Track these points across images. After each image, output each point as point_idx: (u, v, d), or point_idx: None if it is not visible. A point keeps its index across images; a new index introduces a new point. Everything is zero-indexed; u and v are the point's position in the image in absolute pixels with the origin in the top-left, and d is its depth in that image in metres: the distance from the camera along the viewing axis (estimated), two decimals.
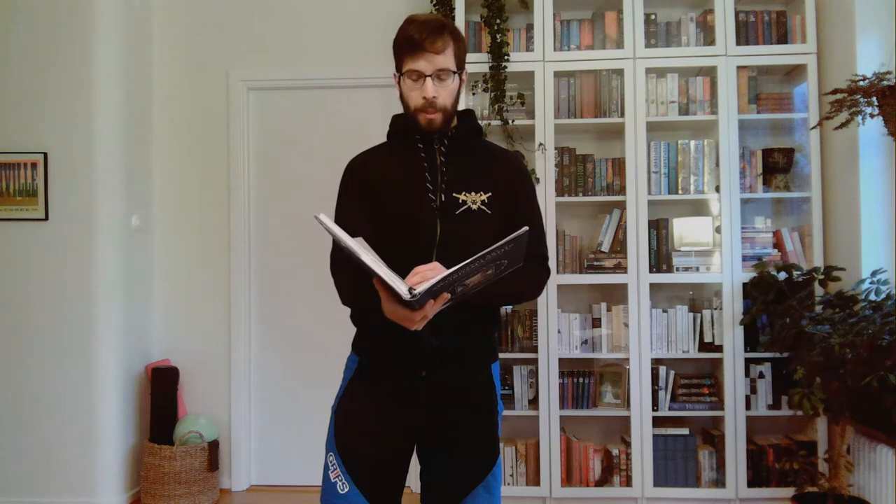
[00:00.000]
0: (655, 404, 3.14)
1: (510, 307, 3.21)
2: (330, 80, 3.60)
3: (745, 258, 3.14)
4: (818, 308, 2.89)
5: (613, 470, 3.15)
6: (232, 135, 3.61)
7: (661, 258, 3.17)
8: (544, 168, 3.17)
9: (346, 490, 1.54)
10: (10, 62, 3.26)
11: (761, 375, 3.12)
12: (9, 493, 3.22)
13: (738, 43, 3.17)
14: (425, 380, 1.55)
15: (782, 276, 2.98)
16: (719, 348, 3.13)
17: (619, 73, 3.21)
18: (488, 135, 2.96)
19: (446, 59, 1.53)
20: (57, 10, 3.24)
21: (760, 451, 3.12)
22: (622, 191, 3.21)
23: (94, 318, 3.23)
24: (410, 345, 1.50)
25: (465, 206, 1.56)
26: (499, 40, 3.18)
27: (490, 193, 1.59)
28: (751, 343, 3.12)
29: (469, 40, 3.24)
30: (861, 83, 2.65)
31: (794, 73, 3.29)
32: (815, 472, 2.88)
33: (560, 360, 3.17)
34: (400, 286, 1.27)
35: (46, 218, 3.25)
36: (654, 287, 3.18)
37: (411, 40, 1.52)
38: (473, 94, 3.26)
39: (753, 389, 3.12)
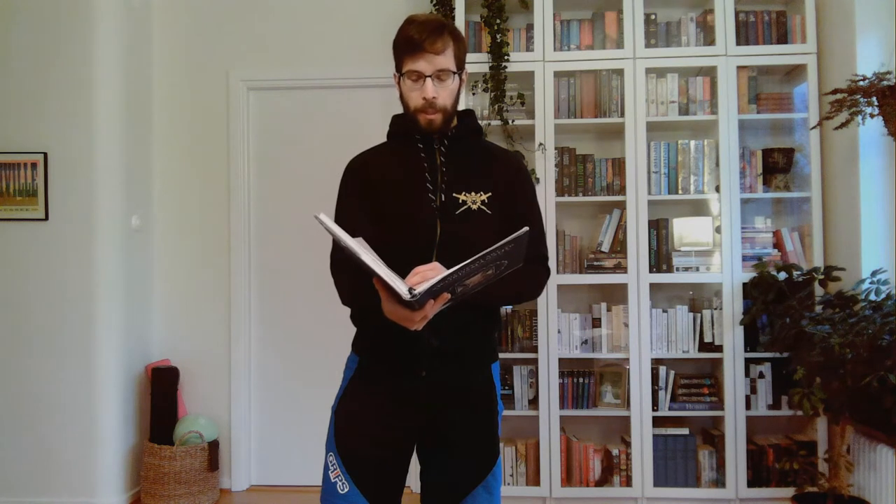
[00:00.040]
0: (655, 404, 3.14)
1: (510, 307, 3.21)
2: (330, 80, 3.60)
3: (745, 258, 3.14)
4: (818, 308, 2.89)
5: (613, 470, 3.16)
6: (232, 135, 3.61)
7: (661, 258, 3.17)
8: (544, 168, 3.17)
9: (346, 490, 1.54)
10: (10, 62, 3.26)
11: (761, 375, 3.13)
12: (9, 493, 3.22)
13: (738, 43, 3.17)
14: (425, 380, 1.55)
15: (782, 276, 2.98)
16: (719, 348, 3.13)
17: (619, 73, 3.21)
18: (488, 135, 2.96)
19: (446, 60, 1.53)
20: (57, 10, 3.24)
21: (760, 451, 3.12)
22: (622, 191, 3.21)
23: (94, 318, 3.23)
24: (410, 345, 1.50)
25: (465, 206, 1.56)
26: (499, 40, 3.18)
27: (490, 193, 1.59)
28: (751, 343, 3.12)
29: (469, 40, 3.24)
30: (861, 83, 2.65)
31: (794, 73, 3.29)
32: (815, 472, 2.88)
33: (560, 360, 3.17)
34: (400, 286, 1.27)
35: (46, 218, 3.25)
36: (654, 287, 3.18)
37: (411, 41, 1.52)
38: (473, 94, 3.26)
39: (753, 389, 3.12)
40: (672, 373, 3.16)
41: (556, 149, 3.21)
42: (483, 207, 1.57)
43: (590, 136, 3.44)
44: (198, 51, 3.64)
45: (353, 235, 1.34)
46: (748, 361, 3.11)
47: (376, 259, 1.34)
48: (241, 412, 3.58)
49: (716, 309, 3.16)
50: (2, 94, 3.27)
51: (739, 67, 3.16)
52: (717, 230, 3.16)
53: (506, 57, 3.19)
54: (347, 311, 1.64)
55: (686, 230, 3.20)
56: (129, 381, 3.37)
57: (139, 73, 3.51)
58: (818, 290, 3.01)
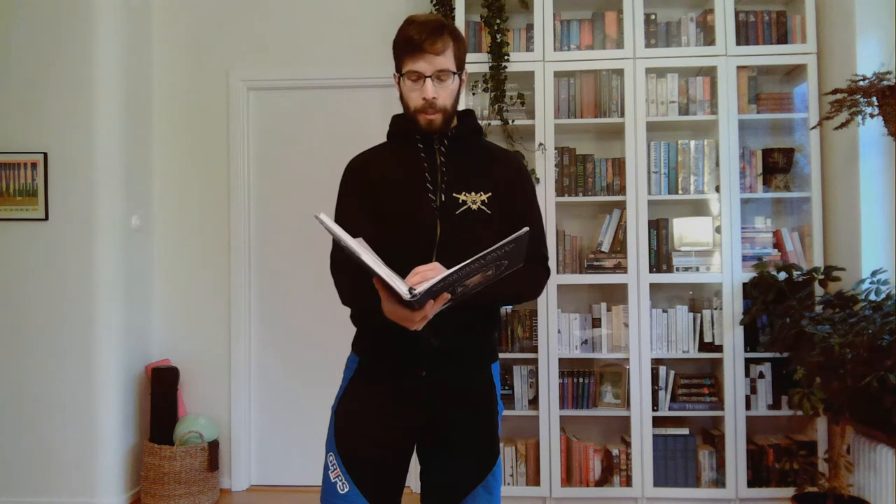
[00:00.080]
0: (655, 404, 3.14)
1: (510, 307, 3.21)
2: (330, 80, 3.60)
3: (745, 258, 3.14)
4: (818, 308, 2.89)
5: (613, 470, 3.16)
6: (232, 135, 3.61)
7: (661, 258, 3.17)
8: (544, 168, 3.17)
9: (346, 490, 1.54)
10: (10, 62, 3.26)
11: (761, 375, 3.13)
12: (9, 493, 3.22)
13: (738, 43, 3.17)
14: (425, 380, 1.55)
15: (782, 276, 2.98)
16: (719, 348, 3.13)
17: (619, 73, 3.21)
18: (488, 135, 2.96)
19: (446, 60, 1.53)
20: (57, 10, 3.24)
21: (760, 451, 3.12)
22: (622, 191, 3.21)
23: (94, 318, 3.23)
24: (410, 345, 1.50)
25: (465, 206, 1.56)
26: (499, 40, 3.18)
27: (490, 193, 1.59)
28: (751, 343, 3.12)
29: (469, 40, 3.24)
30: (861, 83, 2.65)
31: (794, 73, 3.29)
32: (815, 472, 2.88)
33: (560, 360, 3.17)
34: (400, 286, 1.27)
35: (46, 218, 3.25)
36: (654, 287, 3.18)
37: (411, 41, 1.52)
38: (473, 94, 3.26)
39: (753, 389, 3.12)
40: (672, 373, 3.16)
41: (556, 149, 3.21)
42: (483, 207, 1.57)
43: (590, 136, 3.44)
44: (198, 51, 3.64)
45: (354, 235, 1.34)
46: (748, 361, 3.11)
47: (376, 259, 1.34)
48: (241, 412, 3.58)
49: (716, 309, 3.16)
50: (2, 94, 3.27)
51: (739, 67, 3.16)
52: (717, 230, 3.16)
53: (506, 57, 3.19)
54: (347, 311, 1.64)
55: (686, 230, 3.20)
56: (129, 381, 3.37)
57: (139, 73, 3.51)
58: (818, 290, 3.01)
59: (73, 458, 3.21)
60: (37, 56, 3.25)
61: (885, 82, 2.59)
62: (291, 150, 3.65)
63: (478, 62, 3.20)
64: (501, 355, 3.04)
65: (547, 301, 3.15)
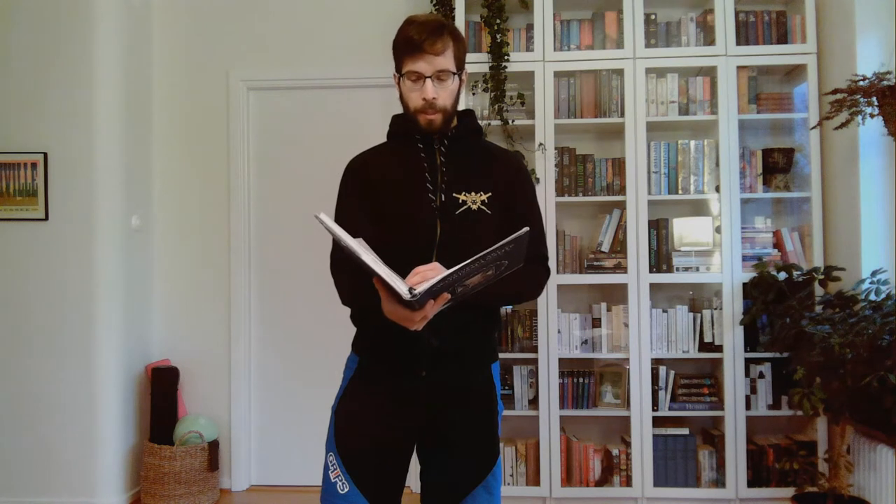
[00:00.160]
0: (655, 404, 3.14)
1: (510, 307, 3.21)
2: (330, 80, 3.60)
3: (745, 258, 3.14)
4: (818, 308, 2.89)
5: (613, 470, 3.15)
6: (232, 135, 3.61)
7: (661, 258, 3.17)
8: (544, 168, 3.17)
9: (346, 490, 1.54)
10: (10, 62, 3.26)
11: (761, 375, 3.13)
12: (9, 493, 3.22)
13: (738, 43, 3.17)
14: (425, 380, 1.55)
15: (782, 276, 2.98)
16: (719, 348, 3.13)
17: (619, 73, 3.21)
18: (488, 135, 2.96)
19: (446, 61, 1.53)
20: (57, 10, 3.24)
21: (760, 451, 3.12)
22: (622, 191, 3.21)
23: (94, 318, 3.23)
24: (410, 345, 1.50)
25: (465, 207, 1.56)
26: (499, 40, 3.18)
27: (490, 193, 1.59)
28: (751, 343, 3.12)
29: (469, 40, 3.24)
30: (861, 83, 2.65)
31: (794, 73, 3.29)
32: (815, 472, 2.88)
33: (560, 360, 3.17)
34: (400, 286, 1.27)
35: (46, 218, 3.25)
36: (654, 287, 3.18)
37: (411, 41, 1.52)
38: (473, 94, 3.26)
39: (753, 389, 3.12)
40: (672, 373, 3.16)
41: (556, 149, 3.21)
42: (483, 207, 1.57)
43: (590, 136, 3.44)
44: (198, 51, 3.64)
45: (354, 235, 1.34)
46: (748, 361, 3.11)
47: (376, 259, 1.34)
48: (241, 412, 3.58)
49: (716, 309, 3.16)
50: (2, 94, 3.27)
51: (739, 67, 3.16)
52: (717, 230, 3.16)
53: (506, 57, 3.19)
54: (347, 311, 1.64)
55: (686, 230, 3.20)
56: (129, 381, 3.37)
57: (139, 73, 3.51)
58: (818, 290, 3.01)
59: (73, 458, 3.21)
60: (37, 56, 3.25)
61: (885, 82, 2.59)
62: (291, 150, 3.65)
63: (478, 62, 3.20)
64: (501, 355, 3.04)
65: (547, 301, 3.15)
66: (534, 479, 3.18)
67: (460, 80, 1.59)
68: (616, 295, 3.26)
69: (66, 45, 3.24)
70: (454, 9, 3.19)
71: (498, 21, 3.18)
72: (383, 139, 1.70)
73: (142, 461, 3.33)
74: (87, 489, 3.21)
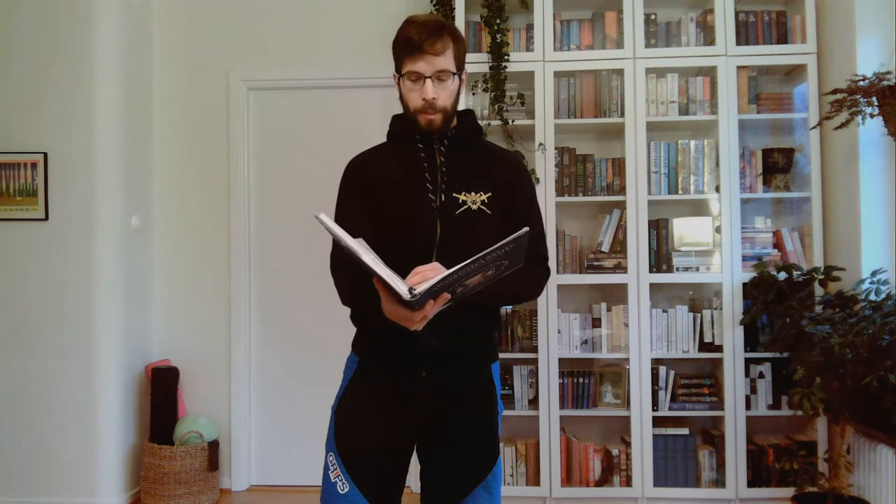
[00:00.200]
0: (655, 404, 3.14)
1: (510, 307, 3.21)
2: (330, 80, 3.60)
3: (745, 258, 3.14)
4: (818, 308, 2.89)
5: (613, 470, 3.15)
6: (232, 135, 3.61)
7: (661, 258, 3.17)
8: (544, 168, 3.17)
9: (346, 490, 1.54)
10: (10, 62, 3.26)
11: (761, 375, 3.13)
12: (9, 493, 3.22)
13: (738, 43, 3.17)
14: (425, 380, 1.55)
15: (782, 276, 2.98)
16: (719, 348, 3.13)
17: (619, 73, 3.21)
18: (488, 135, 2.96)
19: (446, 61, 1.53)
20: (57, 10, 3.24)
21: (760, 451, 3.12)
22: (622, 191, 3.21)
23: (94, 318, 3.23)
24: (410, 345, 1.50)
25: (465, 207, 1.56)
26: (499, 40, 3.18)
27: (490, 193, 1.59)
28: (751, 343, 3.12)
29: (469, 40, 3.24)
30: (861, 83, 2.65)
31: (794, 73, 3.29)
32: (815, 472, 2.88)
33: (560, 360, 3.17)
34: (400, 286, 1.27)
35: (46, 218, 3.25)
36: (654, 287, 3.18)
37: (410, 42, 1.51)
38: (473, 94, 3.26)
39: (753, 389, 3.12)
40: (672, 373, 3.16)
41: (556, 149, 3.21)
42: (483, 207, 1.57)
43: (590, 136, 3.44)
44: (198, 51, 3.64)
45: (354, 236, 1.34)
46: (748, 361, 3.11)
47: (376, 259, 1.34)
48: (241, 412, 3.58)
49: (716, 309, 3.16)
50: (2, 94, 3.27)
51: (739, 67, 3.16)
52: (717, 230, 3.16)
53: (506, 57, 3.19)
54: (347, 311, 1.64)
55: (686, 230, 3.20)
56: (129, 381, 3.37)
57: (139, 73, 3.51)
58: (818, 290, 3.01)
59: (73, 458, 3.21)
60: (37, 56, 3.25)
61: (885, 82, 2.59)
62: (291, 150, 3.65)
63: (478, 62, 3.20)
64: (501, 355, 3.04)
65: (547, 301, 3.15)
66: (534, 479, 3.18)
67: (460, 80, 1.59)
68: (616, 295, 3.26)
69: (66, 45, 3.24)
70: (454, 9, 3.19)
71: (498, 21, 3.18)
72: (383, 139, 1.70)
73: (142, 461, 3.33)
74: (87, 489, 3.21)
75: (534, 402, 3.20)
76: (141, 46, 3.53)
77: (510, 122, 3.19)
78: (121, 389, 3.29)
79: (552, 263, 2.95)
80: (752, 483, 3.09)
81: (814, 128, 3.05)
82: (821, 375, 2.60)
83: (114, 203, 3.29)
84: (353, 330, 1.67)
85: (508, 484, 3.17)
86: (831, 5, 3.08)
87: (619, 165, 3.23)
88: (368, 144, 1.72)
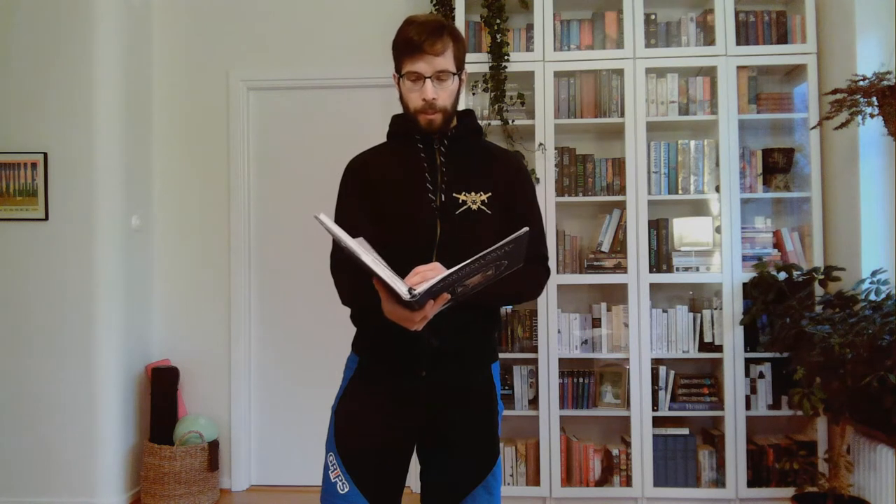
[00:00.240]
0: (655, 404, 3.14)
1: (510, 307, 3.21)
2: (330, 80, 3.60)
3: (745, 258, 3.14)
4: (818, 308, 2.89)
5: (613, 470, 3.15)
6: (232, 135, 3.61)
7: (661, 258, 3.17)
8: (544, 168, 3.17)
9: (346, 490, 1.54)
10: (10, 62, 3.26)
11: (761, 375, 3.13)
12: (9, 493, 3.22)
13: (738, 43, 3.17)
14: (425, 380, 1.55)
15: (782, 276, 2.98)
16: (719, 348, 3.13)
17: (619, 73, 3.21)
18: (488, 135, 2.96)
19: (445, 61, 1.53)
20: (57, 10, 3.24)
21: (760, 451, 3.12)
22: (622, 191, 3.21)
23: (94, 318, 3.23)
24: (410, 345, 1.50)
25: (465, 207, 1.56)
26: (499, 40, 3.18)
27: (490, 193, 1.59)
28: (751, 343, 3.12)
29: (469, 40, 3.24)
30: (861, 83, 2.65)
31: (794, 73, 3.29)
32: (815, 472, 2.88)
33: (560, 360, 3.17)
34: (400, 286, 1.27)
35: (46, 218, 3.25)
36: (654, 287, 3.18)
37: (410, 42, 1.51)
38: (473, 94, 3.26)
39: (753, 389, 3.12)
40: (672, 373, 3.16)
41: (556, 149, 3.21)
42: (483, 207, 1.57)
43: (590, 136, 3.44)
44: (198, 51, 3.64)
45: (354, 235, 1.35)
46: (748, 361, 3.11)
47: (376, 259, 1.34)
48: (241, 412, 3.58)
49: (716, 309, 3.16)
50: (2, 94, 3.27)
51: (739, 67, 3.16)
52: (717, 230, 3.16)
53: (506, 57, 3.19)
54: (347, 311, 1.64)
55: (686, 230, 3.20)
56: (129, 381, 3.37)
57: (139, 73, 3.51)
58: (818, 290, 3.01)
59: (73, 458, 3.21)
60: (37, 56, 3.25)
61: (885, 82, 2.59)
62: (291, 150, 3.65)
63: (478, 62, 3.20)
64: (501, 355, 3.04)
65: (547, 301, 3.15)
66: (534, 479, 3.18)
67: (460, 80, 1.59)
68: (616, 295, 3.26)
69: (66, 45, 3.24)
70: (454, 9, 3.19)
71: (498, 21, 3.17)
72: (383, 139, 1.70)
73: (142, 461, 3.33)
74: (87, 489, 3.21)
75: (534, 402, 3.20)
76: (141, 46, 3.53)
77: (510, 122, 3.19)
78: (121, 389, 3.29)
79: (552, 263, 2.95)
80: (752, 483, 3.09)
81: (814, 128, 3.05)
82: (821, 375, 2.60)
83: (114, 203, 3.29)
84: (353, 330, 1.67)
85: (508, 484, 3.17)
86: (831, 5, 3.08)
87: (619, 165, 3.23)
88: (368, 144, 1.72)
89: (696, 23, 3.25)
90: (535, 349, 3.17)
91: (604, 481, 3.17)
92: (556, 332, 3.17)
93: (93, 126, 3.24)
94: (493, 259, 1.29)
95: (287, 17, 3.61)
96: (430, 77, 1.52)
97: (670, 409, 3.15)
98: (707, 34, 3.23)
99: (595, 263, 3.20)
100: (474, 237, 1.51)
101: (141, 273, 3.50)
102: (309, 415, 3.56)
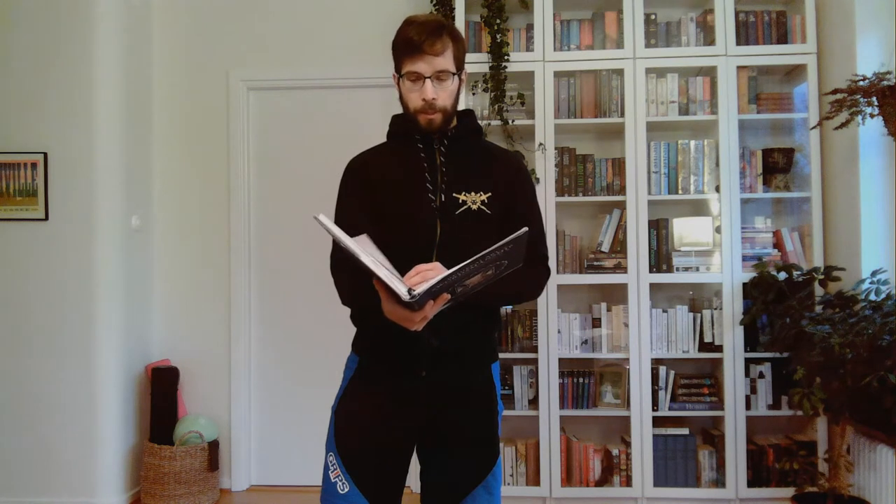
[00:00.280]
0: (655, 404, 3.14)
1: (510, 307, 3.21)
2: (330, 80, 3.60)
3: (745, 258, 3.14)
4: (818, 308, 2.89)
5: (613, 470, 3.15)
6: (232, 135, 3.61)
7: (661, 258, 3.17)
8: (544, 168, 3.17)
9: (346, 490, 1.54)
10: (10, 62, 3.26)
11: (761, 375, 3.12)
12: (9, 493, 3.22)
13: (738, 43, 3.17)
14: (425, 380, 1.55)
15: (782, 276, 2.98)
16: (719, 348, 3.13)
17: (619, 73, 3.21)
18: (488, 135, 2.96)
19: (445, 61, 1.53)
20: (57, 10, 3.24)
21: (760, 451, 3.12)
22: (622, 191, 3.21)
23: (94, 318, 3.23)
24: (410, 345, 1.50)
25: (465, 207, 1.56)
26: (499, 40, 3.18)
27: (490, 193, 1.59)
28: (751, 343, 3.12)
29: (469, 40, 3.24)
30: (861, 83, 2.65)
31: (794, 73, 3.29)
32: (815, 472, 2.88)
33: (560, 360, 3.17)
34: (399, 287, 1.27)
35: (46, 218, 3.25)
36: (654, 287, 3.18)
37: (410, 42, 1.52)
38: (473, 94, 3.26)
39: (753, 389, 3.12)
40: (672, 373, 3.16)
41: (556, 149, 3.21)
42: (483, 207, 1.57)
43: (590, 136, 3.44)
44: (198, 51, 3.64)
45: (353, 235, 1.35)
46: (748, 361, 3.11)
47: (376, 260, 1.34)
48: (241, 412, 3.58)
49: (716, 309, 3.16)
50: (2, 94, 3.27)
51: (739, 67, 3.16)
52: (717, 230, 3.16)
53: (506, 57, 3.19)
54: (347, 311, 1.64)
55: (686, 230, 3.20)
56: (129, 381, 3.37)
57: (139, 73, 3.51)
58: (818, 290, 3.01)
59: (73, 458, 3.21)
60: (37, 56, 3.25)
61: (885, 82, 2.59)
62: (291, 150, 3.65)
63: (478, 62, 3.20)
64: (501, 355, 3.04)
65: (547, 301, 3.15)
66: (534, 479, 3.18)
67: (460, 80, 1.59)
68: (616, 295, 3.26)
69: (66, 45, 3.24)
70: (454, 9, 3.19)
71: (498, 21, 3.17)
72: (383, 139, 1.70)
73: (142, 461, 3.33)
74: (87, 489, 3.21)
75: (534, 402, 3.20)
76: (141, 46, 3.53)
77: (510, 122, 3.19)
78: (121, 389, 3.29)
79: (552, 263, 2.95)
80: (752, 483, 3.09)
81: (814, 128, 3.05)
82: (821, 375, 2.60)
83: (114, 203, 3.29)
84: (353, 330, 1.67)
85: (508, 484, 3.17)
86: (831, 5, 3.08)
87: (619, 165, 3.23)
88: (368, 144, 1.72)
89: (696, 23, 3.25)
90: (535, 349, 3.17)
91: (604, 481, 3.17)
92: (556, 332, 3.17)
93: (93, 126, 3.24)
94: (492, 259, 1.29)
95: (287, 17, 3.62)
96: (429, 77, 1.52)
97: (670, 409, 3.15)
98: (707, 34, 3.23)
99: (595, 263, 3.20)
100: (474, 237, 1.51)
101: (141, 273, 3.50)
102: (309, 415, 3.56)
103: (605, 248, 3.23)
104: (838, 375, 2.52)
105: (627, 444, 3.16)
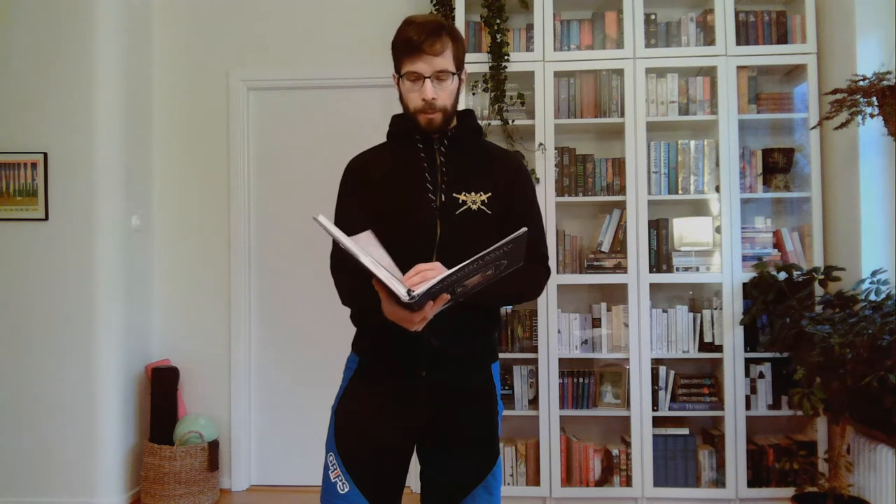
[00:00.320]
0: (655, 404, 3.14)
1: (510, 307, 3.21)
2: (330, 80, 3.60)
3: (745, 258, 3.14)
4: (818, 308, 2.89)
5: (613, 470, 3.15)
6: (232, 135, 3.61)
7: (661, 258, 3.17)
8: (544, 168, 3.17)
9: (346, 490, 1.54)
10: (10, 62, 3.26)
11: (761, 375, 3.12)
12: (9, 493, 3.23)
13: (738, 43, 3.17)
14: (425, 380, 1.55)
15: (782, 276, 2.98)
16: (719, 348, 3.13)
17: (619, 73, 3.21)
18: (488, 135, 2.96)
19: (445, 61, 1.53)
20: (57, 10, 3.24)
21: (760, 451, 3.12)
22: (622, 191, 3.21)
23: (94, 318, 3.23)
24: (410, 345, 1.50)
25: (465, 207, 1.56)
26: (499, 40, 3.18)
27: (490, 193, 1.59)
28: (751, 343, 3.12)
29: (469, 40, 3.24)
30: (861, 83, 2.65)
31: (794, 73, 3.29)
32: (815, 472, 2.88)
33: (560, 360, 3.17)
34: (398, 288, 1.27)
35: (46, 218, 3.25)
36: (654, 287, 3.18)
37: (410, 42, 1.51)
38: (473, 94, 3.26)
39: (753, 389, 3.12)
40: (672, 373, 3.16)
41: (556, 149, 3.21)
42: (483, 207, 1.57)
43: (590, 136, 3.44)
44: (198, 51, 3.64)
45: (353, 235, 1.35)
46: (748, 361, 3.11)
47: (375, 260, 1.34)
48: (241, 412, 3.58)
49: (716, 309, 3.16)
50: (2, 94, 3.27)
51: (739, 67, 3.16)
52: (717, 230, 3.16)
53: (506, 57, 3.19)
54: (347, 311, 1.64)
55: (686, 230, 3.20)
56: (129, 381, 3.37)
57: (139, 73, 3.51)
58: (818, 290, 3.01)
59: (73, 458, 3.21)
60: (37, 56, 3.25)
61: (885, 82, 2.59)
62: (291, 150, 3.65)
63: (478, 62, 3.20)
64: (501, 355, 3.04)
65: (547, 301, 3.15)
66: (534, 479, 3.18)
67: (460, 80, 1.59)
68: (616, 295, 3.26)
69: (66, 45, 3.24)
70: (454, 9, 3.19)
71: (498, 21, 3.17)
72: (383, 139, 1.70)
73: (142, 461, 3.33)
74: (87, 489, 3.21)
75: (534, 402, 3.20)
76: (141, 46, 3.53)
77: (510, 122, 3.19)
78: (121, 389, 3.29)
79: (552, 263, 2.95)
80: (752, 483, 3.09)
81: (814, 128, 3.05)
82: (821, 375, 2.60)
83: (114, 203, 3.29)
84: (353, 330, 1.67)
85: (508, 484, 3.17)
86: (831, 5, 3.08)
87: (619, 165, 3.23)
88: (368, 144, 1.72)
89: (696, 23, 3.25)
90: (535, 349, 3.17)
91: (604, 481, 3.17)
92: (556, 332, 3.17)
93: (93, 126, 3.24)
94: (492, 259, 1.29)
95: (287, 17, 3.62)
96: (429, 77, 1.52)
97: (670, 409, 3.15)
98: (707, 34, 3.23)
99: (595, 263, 3.20)
100: (474, 237, 1.51)
101: (141, 273, 3.50)
102: (309, 415, 3.56)
103: (605, 248, 3.23)
104: (838, 375, 2.52)
105: (627, 444, 3.16)
